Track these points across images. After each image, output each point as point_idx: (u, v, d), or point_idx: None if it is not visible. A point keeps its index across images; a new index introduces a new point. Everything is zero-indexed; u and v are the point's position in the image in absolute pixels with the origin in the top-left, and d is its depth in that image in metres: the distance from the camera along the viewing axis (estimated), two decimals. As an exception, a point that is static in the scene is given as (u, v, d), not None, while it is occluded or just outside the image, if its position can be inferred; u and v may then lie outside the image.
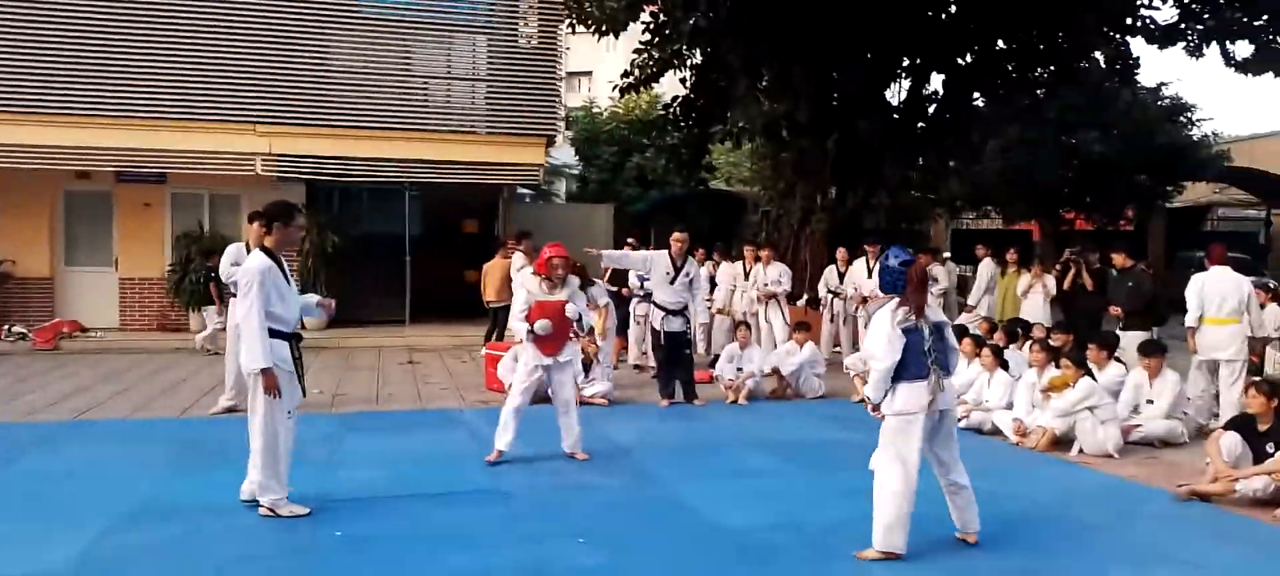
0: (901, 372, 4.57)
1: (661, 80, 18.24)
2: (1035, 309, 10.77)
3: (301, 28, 13.34)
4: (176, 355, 11.93)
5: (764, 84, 15.13)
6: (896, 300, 4.64)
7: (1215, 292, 7.96)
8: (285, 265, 5.26)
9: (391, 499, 5.56)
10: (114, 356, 11.76)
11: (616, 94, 18.93)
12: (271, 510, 5.11)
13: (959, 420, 7.71)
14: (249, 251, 8.16)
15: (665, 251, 9.05)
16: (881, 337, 4.58)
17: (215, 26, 12.94)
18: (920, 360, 4.56)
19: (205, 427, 7.66)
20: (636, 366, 11.14)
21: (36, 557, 4.42)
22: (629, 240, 13.05)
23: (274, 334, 5.02)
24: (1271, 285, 11.78)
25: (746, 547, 4.77)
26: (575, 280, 6.81)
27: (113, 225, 13.90)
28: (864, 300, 10.84)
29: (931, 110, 15.69)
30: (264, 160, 13.13)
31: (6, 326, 12.74)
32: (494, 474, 6.15)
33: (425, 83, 14.39)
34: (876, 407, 4.70)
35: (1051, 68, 15.76)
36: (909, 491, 4.55)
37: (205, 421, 7.90)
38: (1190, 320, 8.06)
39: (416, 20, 14.09)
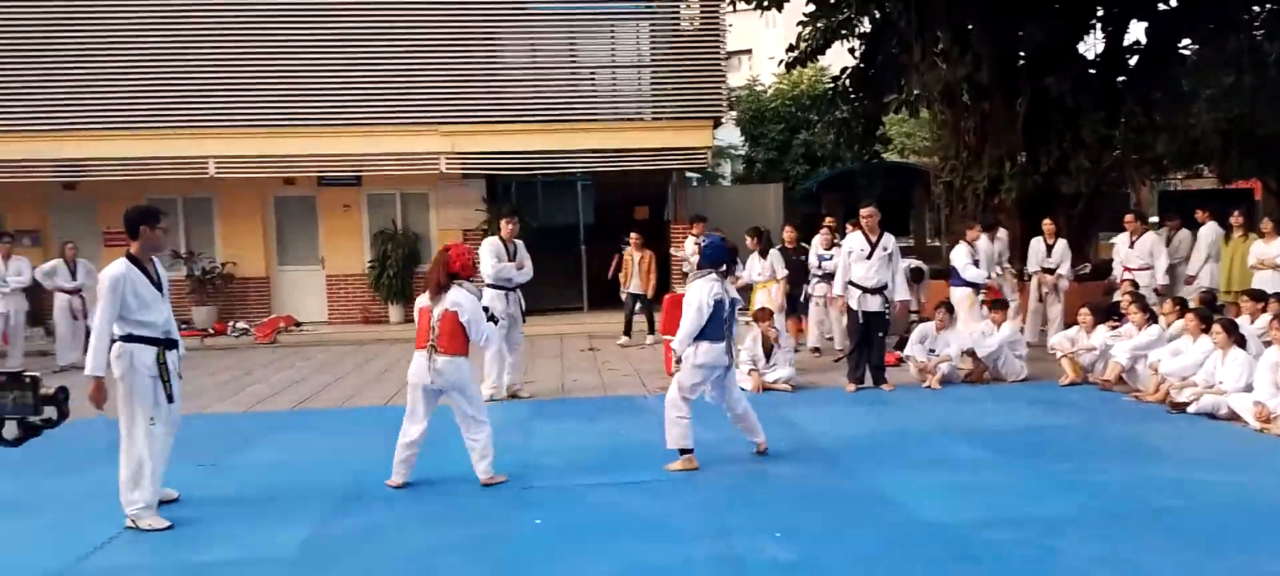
0: (703, 334, 5.80)
1: (828, 52, 17.67)
2: (1269, 277, 9.60)
3: (475, 29, 13.85)
4: (380, 346, 12.71)
5: (940, 47, 14.32)
6: (713, 275, 5.88)
7: None
8: (154, 269, 5.08)
9: (585, 487, 5.62)
10: (324, 349, 12.67)
11: (782, 69, 18.47)
12: (133, 522, 4.91)
13: (1187, 403, 7.05)
14: (505, 244, 8.47)
15: (857, 231, 8.70)
16: (694, 307, 5.78)
17: (400, 34, 13.63)
18: (719, 326, 5.82)
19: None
20: (815, 349, 10.85)
21: (267, 542, 4.75)
22: (827, 218, 12.43)
23: (138, 339, 4.91)
24: None
25: (957, 545, 4.47)
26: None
27: (317, 226, 14.96)
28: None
29: (1133, 61, 14.35)
30: (448, 158, 13.72)
31: (231, 323, 13.99)
32: (683, 463, 6.09)
33: (592, 73, 14.58)
34: (679, 360, 5.91)
35: (1270, 5, 14.02)
36: (688, 412, 5.93)
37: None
38: None
39: (581, 12, 14.28)
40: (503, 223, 8.82)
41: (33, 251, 13.11)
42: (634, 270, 12.40)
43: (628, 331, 12.32)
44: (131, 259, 5.02)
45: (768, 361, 8.76)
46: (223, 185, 14.12)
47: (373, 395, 9.06)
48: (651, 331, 12.17)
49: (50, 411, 1.73)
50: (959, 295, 9.84)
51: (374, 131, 13.63)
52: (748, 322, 10.08)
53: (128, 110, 13.31)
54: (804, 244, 11.42)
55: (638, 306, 12.42)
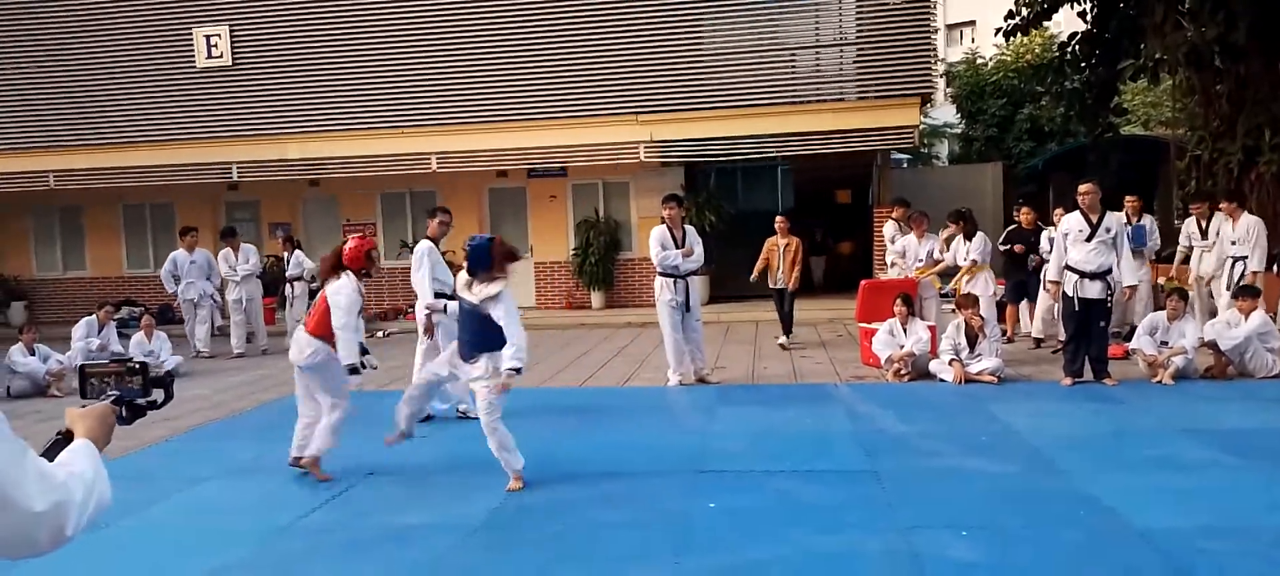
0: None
1: (1056, 16, 16.27)
2: None
3: (677, 17, 13.96)
4: (581, 331, 13.19)
5: (1186, 4, 12.77)
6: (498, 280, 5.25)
7: None
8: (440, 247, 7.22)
9: (762, 473, 5.54)
10: (531, 332, 13.22)
11: (1002, 40, 17.23)
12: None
13: None
14: (672, 231, 8.49)
15: (1075, 211, 7.99)
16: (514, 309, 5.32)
17: (602, 26, 14.02)
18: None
19: (601, 396, 8.32)
20: (1037, 341, 10.06)
21: (458, 510, 5.06)
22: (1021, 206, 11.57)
23: (439, 294, 6.98)
24: None
25: (1171, 554, 3.99)
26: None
27: (526, 216, 15.74)
28: None
29: None
30: (646, 148, 13.97)
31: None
32: (868, 454, 5.86)
33: (793, 54, 14.30)
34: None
35: None
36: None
37: (602, 390, 8.60)
38: None
39: (786, -9, 14.02)
40: (665, 208, 8.60)
41: (274, 243, 14.73)
42: (779, 260, 10.61)
43: (787, 329, 10.79)
44: (432, 239, 7.20)
45: (972, 352, 8.23)
46: (444, 179, 15.18)
47: (568, 377, 9.42)
48: (788, 330, 10.80)
49: (157, 394, 1.93)
50: None
51: (578, 124, 14.12)
52: (952, 310, 9.55)
53: (362, 112, 14.63)
54: (1041, 225, 10.67)
55: (784, 301, 10.73)
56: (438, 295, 7.06)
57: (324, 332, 5.57)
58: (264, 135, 14.82)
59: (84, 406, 1.82)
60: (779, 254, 10.60)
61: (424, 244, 7.18)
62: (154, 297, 16.29)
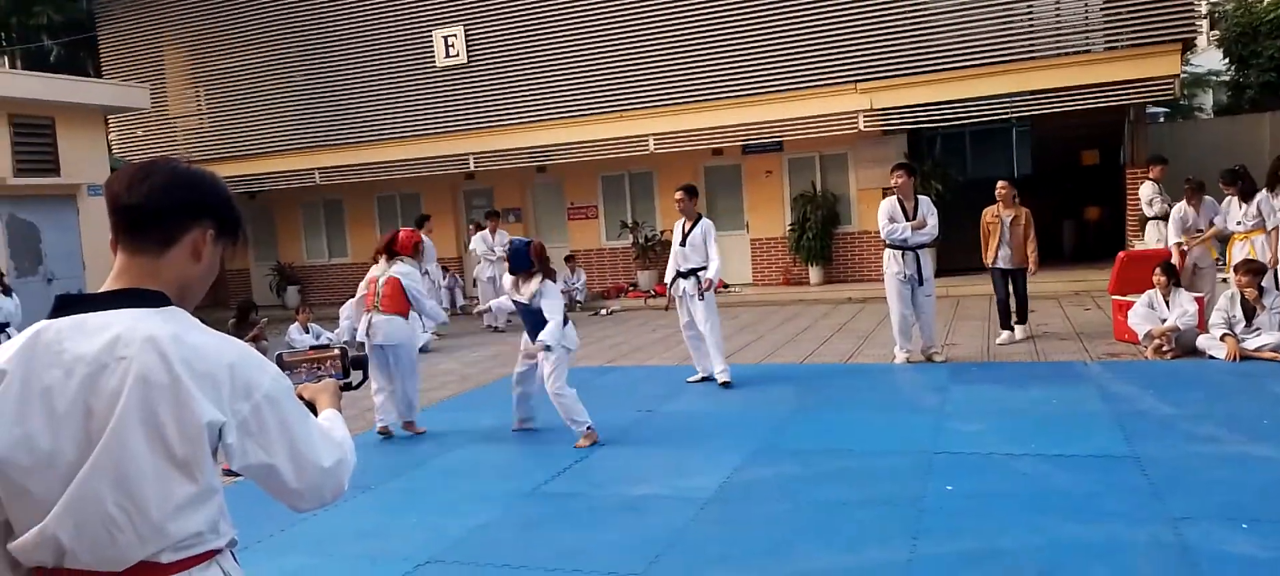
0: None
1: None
2: None
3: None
4: (799, 306, 13.03)
5: None
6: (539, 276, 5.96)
7: None
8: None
9: (1005, 456, 5.22)
10: (749, 309, 13.33)
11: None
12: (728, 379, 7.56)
13: None
14: (902, 202, 8.11)
15: None
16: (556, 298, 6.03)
17: (815, -4, 13.70)
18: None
19: (825, 372, 8.19)
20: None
21: (688, 482, 5.16)
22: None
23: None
24: None
25: None
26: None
27: (742, 192, 15.71)
28: None
29: None
30: (866, 116, 13.50)
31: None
32: (1128, 437, 5.37)
33: (1029, 5, 13.25)
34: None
35: None
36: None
37: (825, 366, 8.46)
38: None
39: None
40: (894, 177, 8.06)
41: (515, 227, 15.62)
42: (1003, 235, 8.88)
43: (1005, 321, 9.09)
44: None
45: (1249, 326, 7.32)
46: (661, 160, 15.45)
47: (790, 354, 9.32)
48: (1023, 319, 9.14)
49: (356, 375, 2.07)
50: None
51: (793, 96, 13.88)
52: (1224, 279, 8.57)
53: (584, 99, 15.18)
54: None
55: (1011, 285, 9.00)
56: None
57: (398, 309, 6.59)
58: (496, 126, 15.75)
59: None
60: (1003, 228, 8.93)
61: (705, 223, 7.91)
62: (404, 280, 17.83)
